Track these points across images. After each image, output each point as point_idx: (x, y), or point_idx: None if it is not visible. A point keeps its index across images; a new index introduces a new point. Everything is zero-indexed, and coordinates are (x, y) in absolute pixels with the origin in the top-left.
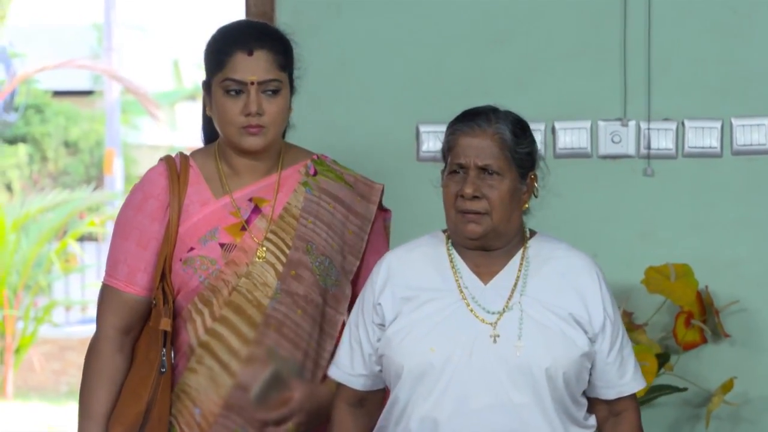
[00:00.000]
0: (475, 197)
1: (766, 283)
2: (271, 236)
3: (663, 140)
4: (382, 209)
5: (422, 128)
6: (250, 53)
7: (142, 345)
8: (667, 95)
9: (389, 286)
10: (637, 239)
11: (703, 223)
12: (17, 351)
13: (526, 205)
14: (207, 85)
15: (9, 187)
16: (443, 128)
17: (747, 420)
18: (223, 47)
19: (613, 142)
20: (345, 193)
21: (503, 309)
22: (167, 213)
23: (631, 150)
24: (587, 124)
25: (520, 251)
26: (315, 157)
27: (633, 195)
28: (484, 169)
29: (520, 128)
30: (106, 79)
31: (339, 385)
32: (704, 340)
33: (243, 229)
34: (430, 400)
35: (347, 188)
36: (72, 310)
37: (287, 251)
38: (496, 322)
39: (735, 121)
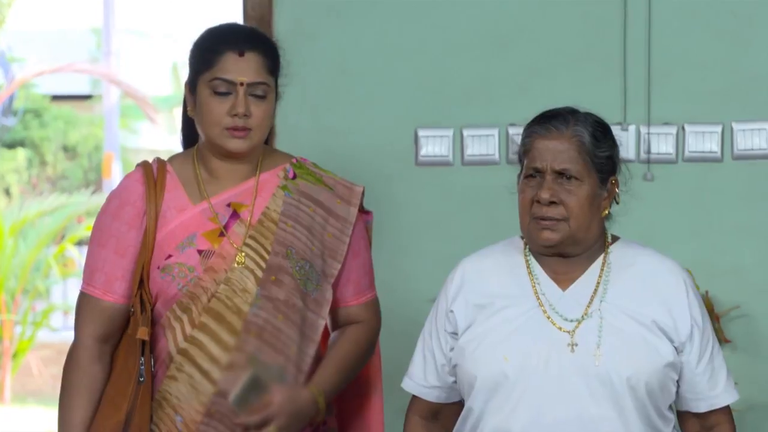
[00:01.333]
0: (552, 203)
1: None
2: (250, 242)
3: (663, 145)
4: (363, 211)
5: (421, 132)
6: (241, 54)
7: (121, 354)
8: (667, 99)
9: (463, 293)
10: None
11: (704, 228)
12: (15, 355)
13: (607, 211)
14: (192, 85)
15: (8, 192)
16: (442, 132)
17: (749, 427)
18: (214, 46)
19: None
20: (325, 195)
21: (582, 316)
22: (144, 220)
23: (631, 154)
24: None
25: (601, 257)
26: (294, 160)
27: (633, 200)
28: (561, 174)
29: (601, 131)
30: (105, 83)
31: (413, 397)
32: None
33: (221, 234)
34: (504, 411)
35: (327, 191)
36: (70, 314)
37: (267, 256)
38: (574, 330)
39: (736, 126)
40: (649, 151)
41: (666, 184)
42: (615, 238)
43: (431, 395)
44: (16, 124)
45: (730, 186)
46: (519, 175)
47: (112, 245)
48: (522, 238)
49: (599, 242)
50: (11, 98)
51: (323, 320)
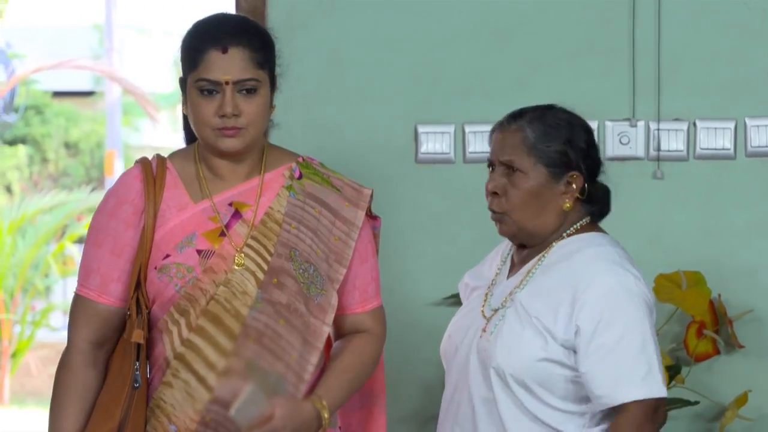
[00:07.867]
0: (495, 194)
1: None
2: (251, 242)
3: (673, 141)
4: (371, 216)
5: (420, 129)
6: (225, 51)
7: (116, 358)
8: (677, 94)
9: (467, 274)
10: (646, 245)
11: (716, 228)
12: (14, 355)
13: (567, 205)
14: (183, 83)
15: (9, 189)
16: (442, 129)
17: None
18: (197, 44)
19: (621, 143)
20: (332, 197)
21: (500, 306)
22: (142, 218)
23: (640, 151)
24: (594, 124)
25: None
26: (301, 159)
27: (642, 199)
28: (509, 167)
29: (553, 126)
30: (107, 79)
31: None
32: (717, 351)
33: (222, 234)
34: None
35: (334, 192)
36: None
37: (269, 258)
38: (489, 318)
39: (749, 121)
40: (658, 148)
41: (676, 182)
42: (585, 230)
43: None
44: (18, 120)
45: (744, 184)
46: None
47: (108, 245)
48: None
49: (557, 234)
50: (12, 95)
51: (327, 327)
